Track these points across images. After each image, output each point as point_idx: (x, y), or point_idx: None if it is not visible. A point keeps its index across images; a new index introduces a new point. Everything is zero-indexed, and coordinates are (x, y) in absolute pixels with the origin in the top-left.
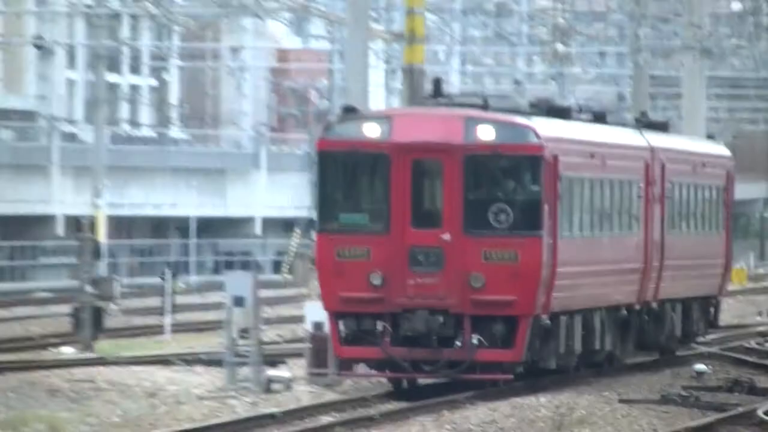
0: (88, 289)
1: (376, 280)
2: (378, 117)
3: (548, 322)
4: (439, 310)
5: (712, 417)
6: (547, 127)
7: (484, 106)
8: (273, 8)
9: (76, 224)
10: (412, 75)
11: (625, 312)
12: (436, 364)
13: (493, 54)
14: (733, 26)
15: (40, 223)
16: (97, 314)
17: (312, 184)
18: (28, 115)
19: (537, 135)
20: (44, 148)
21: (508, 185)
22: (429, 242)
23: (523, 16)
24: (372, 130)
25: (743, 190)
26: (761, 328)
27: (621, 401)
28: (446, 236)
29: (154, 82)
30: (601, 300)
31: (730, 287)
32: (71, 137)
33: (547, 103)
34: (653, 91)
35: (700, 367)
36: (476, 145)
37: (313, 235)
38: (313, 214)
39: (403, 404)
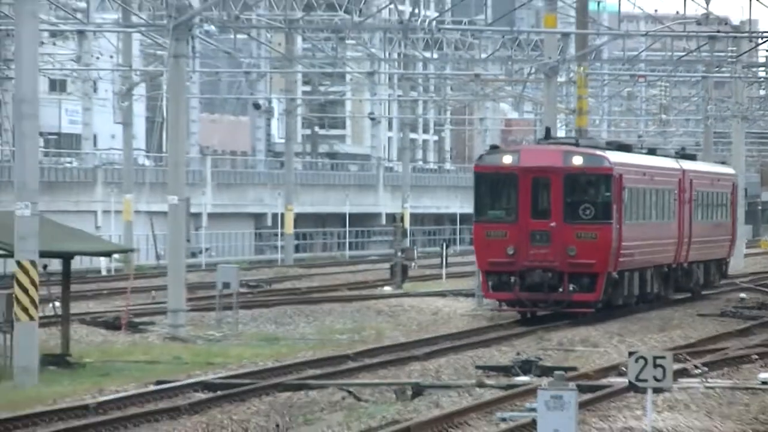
0: (399, 254)
1: (510, 250)
2: (511, 151)
3: (616, 276)
4: (548, 269)
5: (749, 324)
6: (616, 156)
7: (576, 144)
8: (502, 95)
9: (393, 218)
10: (580, 133)
11: (666, 269)
12: (547, 303)
13: (626, 121)
14: (761, 103)
15: (372, 217)
16: (404, 268)
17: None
18: (365, 157)
19: (609, 161)
20: (374, 175)
21: (590, 192)
22: (542, 227)
23: (643, 99)
24: (507, 159)
25: (766, 195)
26: None
27: (698, 315)
28: (553, 224)
29: (435, 138)
30: (650, 262)
31: (758, 251)
32: (390, 169)
33: (617, 142)
34: (716, 140)
35: (742, 295)
36: (571, 168)
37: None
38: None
39: (565, 321)
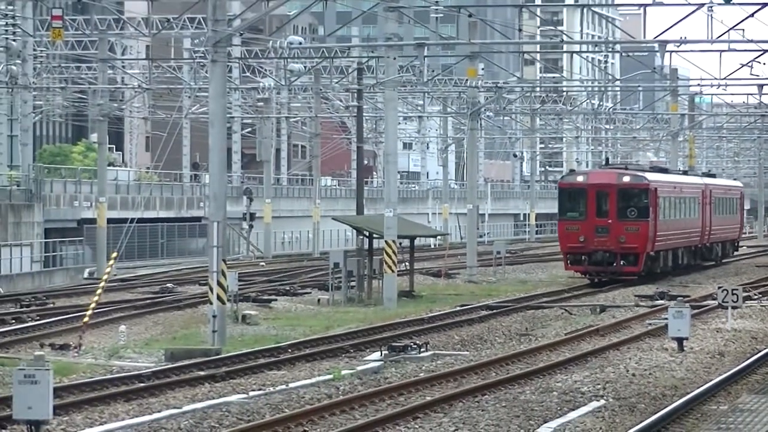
0: None
1: (582, 238)
2: (582, 173)
3: (653, 254)
4: (607, 251)
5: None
6: (653, 176)
7: (626, 168)
8: (648, 147)
9: None
10: (691, 168)
11: (693, 247)
12: (606, 273)
13: (715, 161)
14: None
15: (551, 216)
16: None
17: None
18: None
19: (647, 179)
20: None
21: (635, 200)
22: (603, 224)
23: (724, 148)
24: (580, 178)
25: None
26: None
27: (756, 266)
28: (610, 221)
29: None
30: (680, 244)
31: None
32: None
33: (657, 166)
34: (765, 171)
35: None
36: (622, 184)
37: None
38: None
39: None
